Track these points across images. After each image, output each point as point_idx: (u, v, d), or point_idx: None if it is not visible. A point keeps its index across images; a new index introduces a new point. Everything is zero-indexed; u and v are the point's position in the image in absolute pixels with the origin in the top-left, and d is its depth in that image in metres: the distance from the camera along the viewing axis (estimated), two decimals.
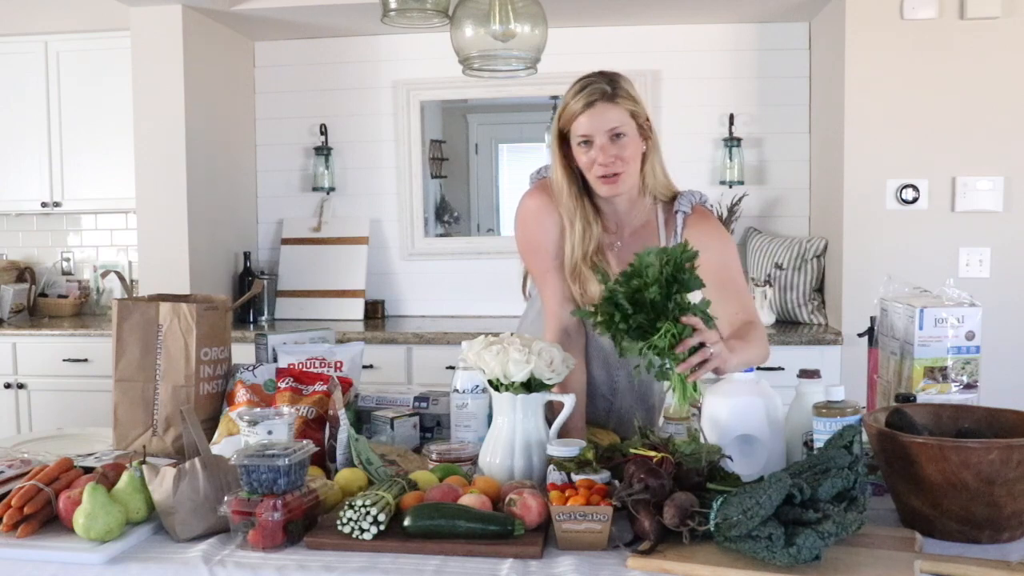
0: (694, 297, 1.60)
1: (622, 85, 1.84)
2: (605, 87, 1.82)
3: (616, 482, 1.46)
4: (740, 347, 1.68)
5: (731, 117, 4.02)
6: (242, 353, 2.07)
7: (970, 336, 1.69)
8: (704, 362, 1.56)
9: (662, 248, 1.57)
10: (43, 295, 4.52)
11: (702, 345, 1.55)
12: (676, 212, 1.93)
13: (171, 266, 3.84)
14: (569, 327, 1.94)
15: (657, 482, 1.36)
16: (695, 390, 1.58)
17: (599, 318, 1.57)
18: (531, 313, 2.14)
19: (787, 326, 3.71)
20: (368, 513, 1.38)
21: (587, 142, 1.83)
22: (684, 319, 1.54)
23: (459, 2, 2.36)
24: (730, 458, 1.52)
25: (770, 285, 3.77)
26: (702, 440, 1.58)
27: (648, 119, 1.87)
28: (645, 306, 1.54)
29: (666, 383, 1.63)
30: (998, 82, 3.36)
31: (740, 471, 1.51)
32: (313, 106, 4.35)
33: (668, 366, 1.56)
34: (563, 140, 1.88)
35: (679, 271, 1.54)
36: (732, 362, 1.62)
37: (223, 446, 1.72)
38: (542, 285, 2.00)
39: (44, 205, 4.23)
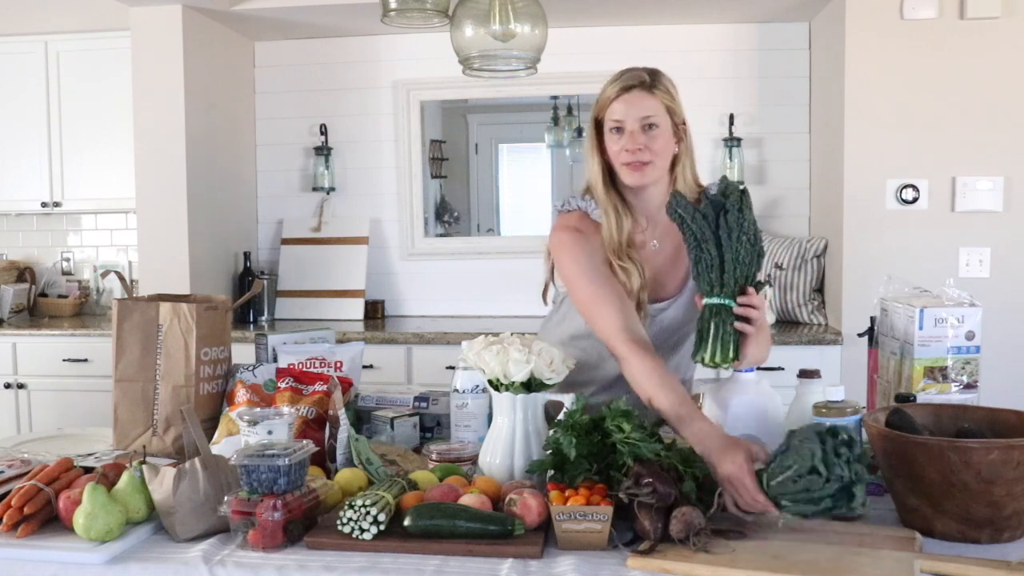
0: None
1: (662, 80, 1.87)
2: (644, 76, 1.84)
3: None
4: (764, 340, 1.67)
5: (731, 117, 4.02)
6: (242, 353, 2.07)
7: (970, 336, 1.69)
8: (749, 320, 1.57)
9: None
10: (43, 295, 4.52)
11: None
12: None
13: (171, 266, 3.84)
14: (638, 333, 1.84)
15: (666, 489, 1.37)
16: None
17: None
18: (555, 317, 2.09)
19: (787, 326, 3.71)
20: (368, 513, 1.38)
21: (619, 129, 1.83)
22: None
23: (459, 2, 2.36)
24: None
25: (770, 285, 3.76)
26: None
27: (684, 122, 1.89)
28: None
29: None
30: (998, 82, 3.35)
31: None
32: (313, 106, 4.35)
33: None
34: (598, 130, 1.89)
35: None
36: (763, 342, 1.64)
37: (223, 446, 1.72)
38: (594, 314, 1.85)
39: (44, 205, 4.23)
